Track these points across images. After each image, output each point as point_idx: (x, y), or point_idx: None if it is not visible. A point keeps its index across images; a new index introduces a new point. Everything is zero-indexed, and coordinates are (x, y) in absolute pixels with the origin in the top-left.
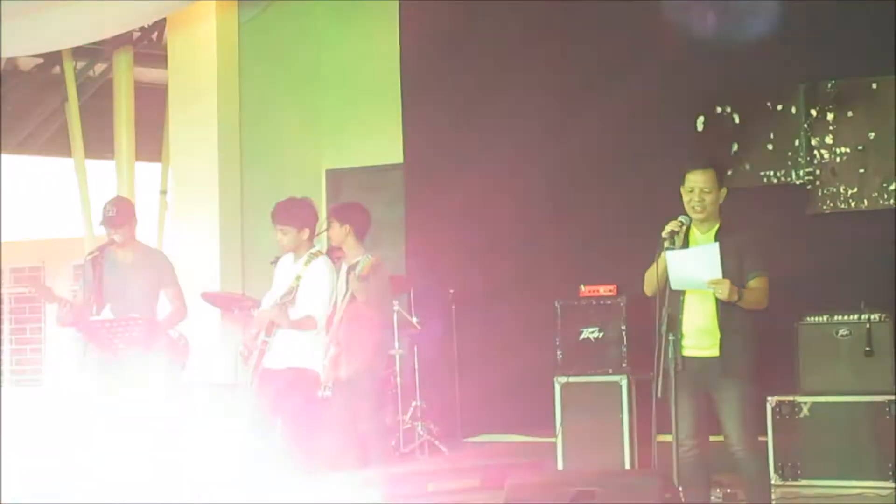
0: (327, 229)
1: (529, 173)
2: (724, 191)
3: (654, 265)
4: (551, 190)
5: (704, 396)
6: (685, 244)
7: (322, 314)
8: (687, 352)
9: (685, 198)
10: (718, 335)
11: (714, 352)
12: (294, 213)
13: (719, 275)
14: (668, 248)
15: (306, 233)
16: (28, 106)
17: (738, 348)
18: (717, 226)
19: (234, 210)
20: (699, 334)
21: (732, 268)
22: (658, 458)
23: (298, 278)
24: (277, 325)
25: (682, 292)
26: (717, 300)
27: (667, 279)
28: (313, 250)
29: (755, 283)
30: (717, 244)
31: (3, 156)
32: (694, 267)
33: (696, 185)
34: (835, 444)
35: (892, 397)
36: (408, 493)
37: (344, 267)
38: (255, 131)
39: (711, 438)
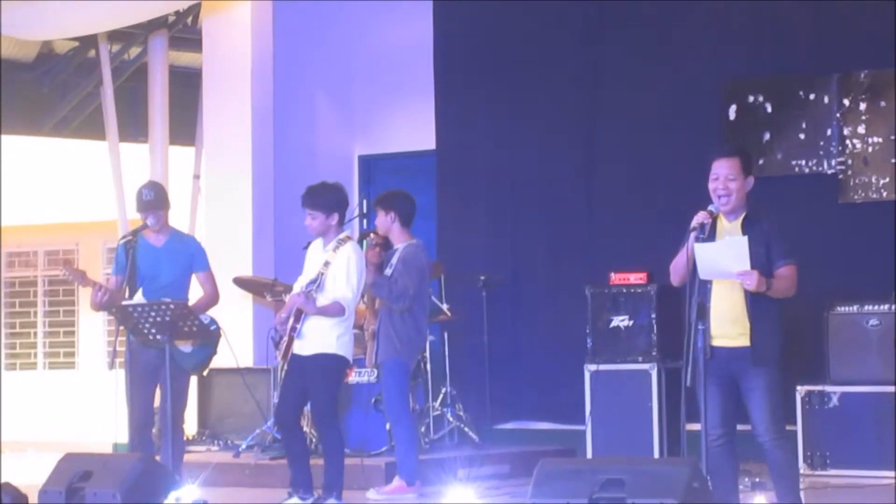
0: (374, 218)
1: (560, 160)
2: (750, 179)
3: (681, 255)
4: (582, 177)
5: (733, 385)
6: (712, 234)
7: (350, 300)
8: (715, 341)
9: (710, 186)
10: (747, 324)
11: (743, 341)
12: (323, 197)
13: (748, 266)
14: (697, 241)
15: (335, 218)
16: (63, 89)
17: (768, 337)
18: (743, 214)
19: (267, 195)
20: (727, 323)
21: (760, 256)
22: (687, 447)
23: (326, 264)
24: (305, 311)
25: (710, 281)
26: (745, 288)
27: (694, 269)
28: (342, 235)
29: (783, 272)
30: (745, 238)
31: (38, 138)
32: (723, 259)
33: (721, 173)
34: (864, 434)
35: None
36: (438, 478)
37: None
38: (288, 116)
39: (739, 427)
